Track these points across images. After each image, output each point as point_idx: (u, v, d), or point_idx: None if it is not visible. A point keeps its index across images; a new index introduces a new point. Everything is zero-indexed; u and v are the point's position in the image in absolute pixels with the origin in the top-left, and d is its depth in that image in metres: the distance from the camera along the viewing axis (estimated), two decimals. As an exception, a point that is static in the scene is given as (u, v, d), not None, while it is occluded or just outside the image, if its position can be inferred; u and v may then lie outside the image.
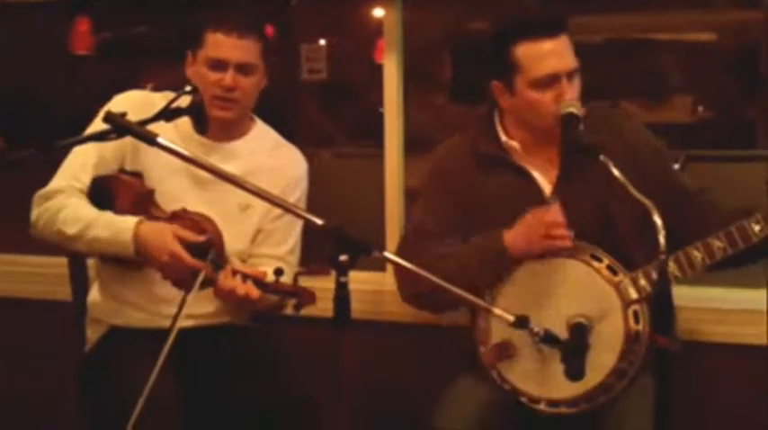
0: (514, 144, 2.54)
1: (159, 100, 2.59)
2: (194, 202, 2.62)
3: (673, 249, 2.31)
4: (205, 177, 2.58)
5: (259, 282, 2.44)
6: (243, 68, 2.60)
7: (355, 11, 5.14)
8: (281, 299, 2.48)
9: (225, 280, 2.43)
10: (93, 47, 5.48)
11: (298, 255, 2.79)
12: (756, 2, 4.50)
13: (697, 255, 2.39)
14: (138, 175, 2.64)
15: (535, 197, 2.53)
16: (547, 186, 2.54)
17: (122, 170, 2.65)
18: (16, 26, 3.90)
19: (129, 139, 2.43)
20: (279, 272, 2.38)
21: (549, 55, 2.41)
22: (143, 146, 2.52)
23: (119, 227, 2.52)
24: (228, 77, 2.59)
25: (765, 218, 2.38)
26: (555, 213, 2.40)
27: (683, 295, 2.79)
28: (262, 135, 2.80)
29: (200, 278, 2.43)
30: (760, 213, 2.38)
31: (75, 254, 2.77)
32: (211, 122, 2.47)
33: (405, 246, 2.66)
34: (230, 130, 2.71)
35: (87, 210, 2.57)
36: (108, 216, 2.56)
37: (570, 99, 2.42)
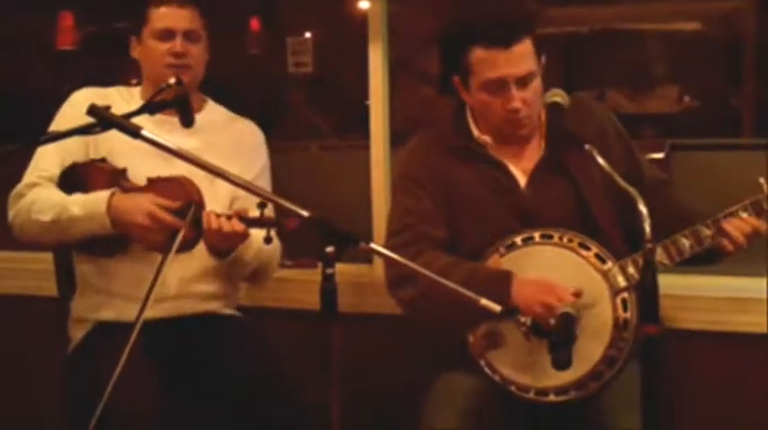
0: (486, 138, 2.56)
1: (113, 94, 2.74)
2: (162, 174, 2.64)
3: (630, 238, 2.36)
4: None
5: (243, 217, 2.47)
6: (189, 35, 2.70)
7: (341, 3, 5.14)
8: (267, 231, 2.44)
9: (210, 221, 2.45)
10: (78, 42, 5.46)
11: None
12: (741, -9, 4.52)
13: (685, 242, 2.40)
14: (104, 160, 2.67)
15: (510, 188, 2.54)
16: (522, 177, 2.55)
17: (91, 159, 2.68)
18: (1, 22, 3.89)
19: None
20: (262, 205, 2.39)
21: (500, 62, 2.42)
22: (107, 135, 2.55)
23: (92, 201, 2.55)
24: (178, 43, 2.68)
25: (753, 206, 2.39)
26: (565, 292, 2.39)
27: (683, 285, 2.81)
28: (215, 110, 2.87)
29: (179, 238, 2.43)
30: (749, 201, 2.40)
31: (58, 247, 2.77)
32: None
33: (395, 251, 2.61)
34: None
35: (60, 196, 2.60)
36: (80, 196, 2.59)
37: (514, 109, 2.44)
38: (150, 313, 2.48)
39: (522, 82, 2.44)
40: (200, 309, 2.72)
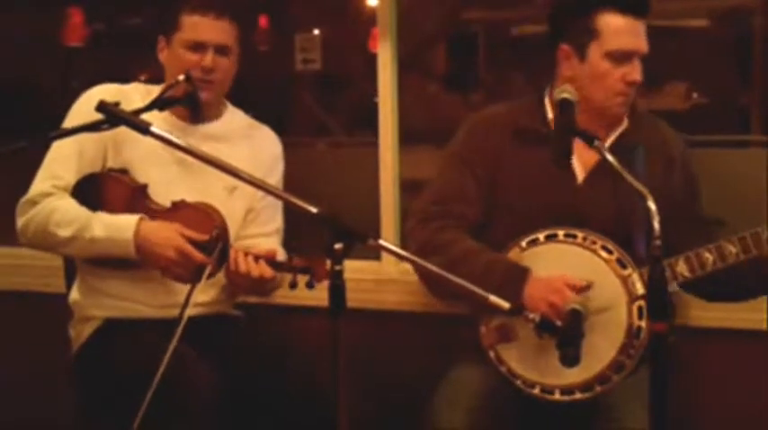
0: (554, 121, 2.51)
1: (132, 92, 2.65)
2: (184, 190, 2.61)
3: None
4: (190, 163, 2.57)
5: (272, 261, 2.44)
6: (221, 50, 2.61)
7: (350, 0, 5.13)
8: (293, 276, 2.45)
9: (239, 263, 2.42)
10: (87, 38, 5.47)
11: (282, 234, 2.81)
12: (749, -12, 4.50)
13: (708, 256, 2.38)
14: (124, 172, 2.62)
15: (567, 182, 2.52)
16: (581, 173, 2.53)
17: (109, 168, 2.62)
18: (9, 18, 3.89)
19: (109, 135, 2.48)
20: (291, 252, 2.41)
21: (631, 32, 2.42)
22: (125, 140, 2.55)
23: (118, 225, 2.50)
24: (208, 58, 2.59)
25: None
26: (572, 293, 2.38)
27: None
28: (235, 116, 2.81)
29: (208, 271, 2.42)
30: None
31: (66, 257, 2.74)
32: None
33: (423, 216, 2.61)
34: (206, 112, 2.69)
35: (81, 211, 2.54)
36: (105, 215, 2.53)
37: (636, 81, 2.44)
38: (168, 313, 2.48)
39: (641, 59, 2.42)
40: (207, 310, 2.69)
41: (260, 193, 2.66)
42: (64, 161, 2.60)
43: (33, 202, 2.58)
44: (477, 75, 5.61)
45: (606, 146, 2.49)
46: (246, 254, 2.45)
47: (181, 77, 2.42)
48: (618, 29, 2.41)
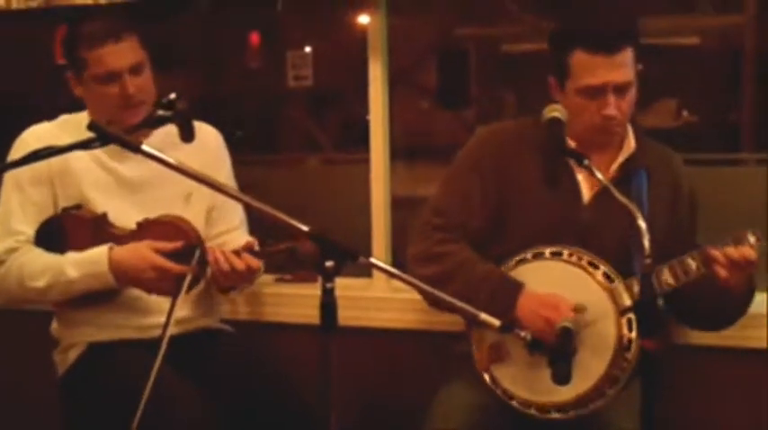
0: (570, 142, 2.49)
1: (56, 128, 2.63)
2: (141, 209, 2.59)
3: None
4: (136, 182, 2.58)
5: (254, 251, 2.43)
6: (134, 70, 2.55)
7: (341, 18, 5.14)
8: (280, 258, 2.42)
9: (221, 262, 2.41)
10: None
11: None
12: (739, 6, 4.53)
13: (691, 262, 2.38)
14: (79, 207, 2.59)
15: (573, 201, 2.52)
16: (588, 193, 2.54)
17: (63, 208, 2.59)
18: None
19: (55, 173, 2.52)
20: (264, 237, 2.39)
21: (601, 67, 2.40)
22: (70, 177, 2.55)
23: (91, 260, 2.47)
24: (128, 85, 2.53)
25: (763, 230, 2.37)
26: (567, 308, 2.38)
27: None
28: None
29: (187, 281, 2.42)
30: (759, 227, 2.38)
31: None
32: (123, 127, 2.41)
33: (425, 227, 2.60)
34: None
35: (49, 258, 2.52)
36: (74, 255, 2.50)
37: (609, 115, 2.42)
38: (151, 333, 2.48)
39: (620, 90, 2.42)
40: (189, 327, 2.66)
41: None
42: (18, 215, 2.57)
43: (0, 262, 2.55)
44: (467, 91, 5.63)
45: (613, 168, 2.52)
46: (223, 252, 2.43)
47: (172, 96, 2.40)
48: (586, 66, 2.42)
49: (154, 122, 2.35)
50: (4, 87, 4.24)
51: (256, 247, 2.46)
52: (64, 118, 2.69)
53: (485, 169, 2.57)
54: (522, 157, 2.56)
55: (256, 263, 2.43)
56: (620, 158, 2.54)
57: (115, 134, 2.05)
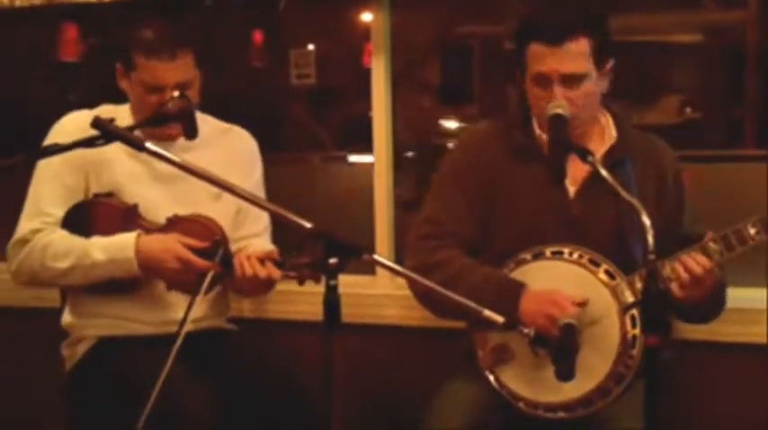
0: (544, 137, 2.53)
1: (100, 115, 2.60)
2: (172, 205, 2.60)
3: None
4: (169, 175, 2.55)
5: (278, 261, 2.43)
6: (180, 86, 2.53)
7: (344, 15, 5.14)
8: (299, 274, 2.42)
9: (245, 267, 2.41)
10: (81, 54, 5.47)
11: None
12: (742, 2, 4.52)
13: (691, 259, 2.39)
14: (110, 195, 2.60)
15: (559, 197, 2.53)
16: (572, 187, 2.54)
17: (95, 194, 2.60)
18: (3, 34, 3.89)
19: (88, 160, 2.50)
20: (290, 250, 2.39)
21: (549, 57, 2.43)
22: (104, 163, 2.54)
23: (117, 245, 2.49)
24: (169, 97, 2.50)
25: (762, 221, 2.37)
26: (569, 304, 2.38)
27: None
28: (205, 124, 2.70)
29: (209, 279, 2.42)
30: (757, 217, 2.38)
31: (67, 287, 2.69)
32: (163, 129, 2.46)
33: (419, 236, 2.62)
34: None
35: (76, 240, 2.53)
36: (101, 239, 2.51)
37: (561, 101, 2.42)
38: (165, 329, 2.49)
39: (568, 81, 2.43)
40: (198, 326, 2.65)
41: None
42: (48, 197, 2.59)
43: (24, 241, 2.56)
44: (472, 88, 5.62)
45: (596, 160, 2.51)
46: (249, 257, 2.43)
47: (176, 93, 2.41)
48: (536, 56, 2.45)
49: (156, 120, 2.35)
50: (7, 88, 4.24)
51: (277, 257, 2.45)
52: (104, 107, 2.69)
53: (468, 177, 2.59)
54: (505, 158, 2.57)
55: (277, 273, 2.43)
56: (603, 149, 2.54)
57: (120, 132, 2.04)
